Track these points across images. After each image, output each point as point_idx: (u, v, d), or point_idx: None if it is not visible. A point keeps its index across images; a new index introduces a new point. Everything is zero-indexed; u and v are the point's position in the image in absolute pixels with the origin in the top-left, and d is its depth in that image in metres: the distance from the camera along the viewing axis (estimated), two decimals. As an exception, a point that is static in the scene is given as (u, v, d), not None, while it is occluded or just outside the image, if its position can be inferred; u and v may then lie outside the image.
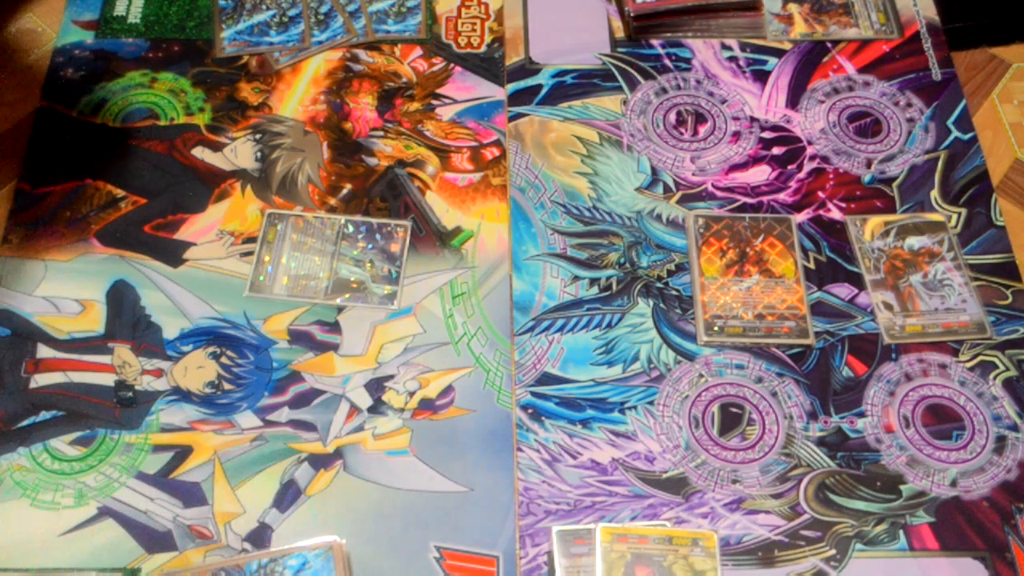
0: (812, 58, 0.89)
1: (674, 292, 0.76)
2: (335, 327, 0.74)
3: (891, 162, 0.83)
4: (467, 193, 0.81)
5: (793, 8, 0.93)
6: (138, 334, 0.73)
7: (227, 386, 0.71)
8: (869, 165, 0.83)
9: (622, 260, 0.77)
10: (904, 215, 0.80)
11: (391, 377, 0.72)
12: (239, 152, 0.82)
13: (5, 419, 0.69)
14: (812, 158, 0.83)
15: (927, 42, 0.90)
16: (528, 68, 0.88)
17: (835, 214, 0.80)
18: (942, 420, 0.70)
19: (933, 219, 0.79)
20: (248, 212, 0.79)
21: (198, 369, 0.71)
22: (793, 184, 0.82)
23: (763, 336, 0.74)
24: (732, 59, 0.89)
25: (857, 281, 0.77)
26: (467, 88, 0.87)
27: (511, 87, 0.87)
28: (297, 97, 0.86)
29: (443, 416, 0.70)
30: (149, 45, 0.88)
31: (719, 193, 0.81)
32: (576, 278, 0.76)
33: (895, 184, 0.82)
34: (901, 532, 0.66)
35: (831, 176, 0.82)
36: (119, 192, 0.80)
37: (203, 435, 0.69)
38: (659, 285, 0.76)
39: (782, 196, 0.81)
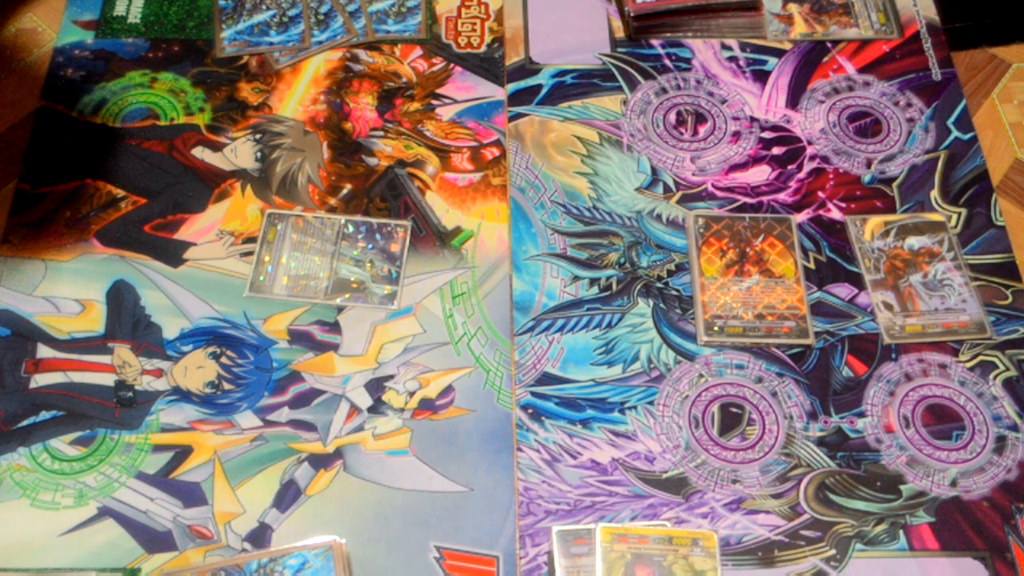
0: (812, 58, 0.89)
1: (674, 292, 0.76)
2: (335, 327, 0.74)
3: (891, 162, 0.83)
4: (467, 193, 0.81)
5: (793, 8, 0.93)
6: (138, 334, 0.73)
7: (227, 386, 0.71)
8: (869, 165, 0.83)
9: (622, 260, 0.77)
10: (904, 215, 0.80)
11: (391, 377, 0.72)
12: (239, 152, 0.82)
13: (5, 419, 0.69)
14: (812, 158, 0.83)
15: (927, 42, 0.90)
16: (528, 68, 0.88)
17: (835, 214, 0.80)
18: (942, 420, 0.70)
19: (933, 219, 0.79)
20: (248, 212, 0.79)
21: (198, 369, 0.71)
22: (793, 184, 0.82)
23: (763, 336, 0.74)
24: (732, 59, 0.89)
25: (857, 281, 0.77)
26: (467, 88, 0.87)
27: (511, 87, 0.87)
28: (297, 97, 0.86)
29: (443, 416, 0.70)
30: (149, 45, 0.88)
31: (719, 193, 0.81)
32: (576, 278, 0.76)
33: (895, 184, 0.82)
34: (901, 532, 0.66)
35: (831, 176, 0.82)
36: (119, 192, 0.80)
37: (203, 435, 0.69)
38: (659, 285, 0.76)
39: (782, 196, 0.81)
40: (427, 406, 0.70)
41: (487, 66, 0.88)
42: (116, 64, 0.87)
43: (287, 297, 0.75)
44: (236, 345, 0.72)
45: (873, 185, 0.82)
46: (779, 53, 0.90)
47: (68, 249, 0.76)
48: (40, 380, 0.71)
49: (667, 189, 0.81)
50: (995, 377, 0.72)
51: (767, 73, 0.88)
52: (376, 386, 0.71)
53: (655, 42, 0.90)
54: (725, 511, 0.67)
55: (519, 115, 0.85)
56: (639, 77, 0.88)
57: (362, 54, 0.89)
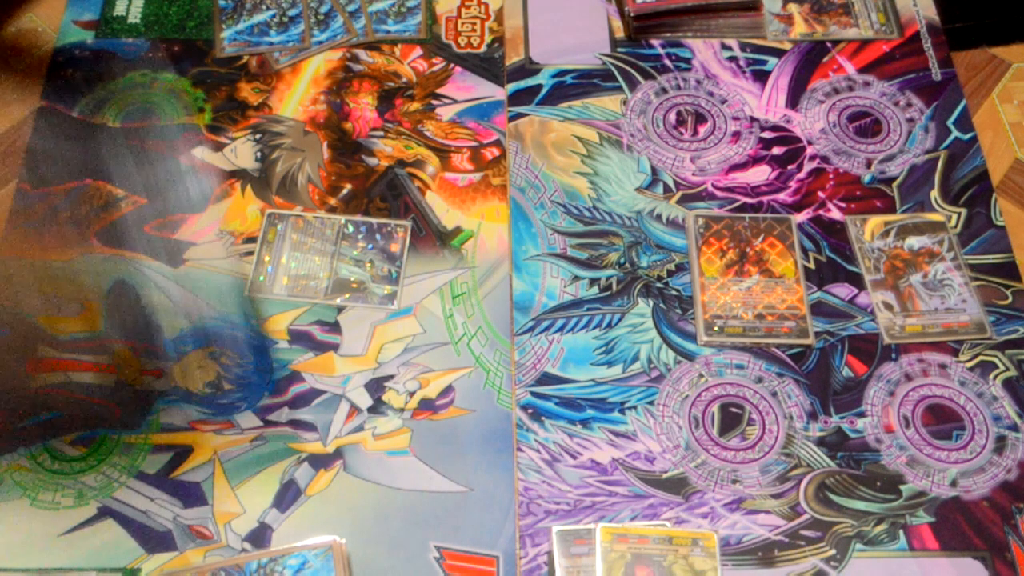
0: (812, 58, 0.89)
1: (674, 292, 0.76)
2: (335, 327, 0.74)
3: (891, 162, 0.83)
4: (467, 193, 0.81)
5: (793, 8, 0.93)
6: (138, 334, 0.73)
7: (227, 386, 0.71)
8: (869, 165, 0.83)
9: (622, 260, 0.77)
10: (904, 215, 0.80)
11: (391, 377, 0.72)
12: (239, 152, 0.82)
13: (5, 419, 0.69)
14: (812, 158, 0.83)
15: (927, 42, 0.90)
16: (528, 68, 0.88)
17: (835, 214, 0.80)
18: (942, 420, 0.70)
19: (933, 219, 0.79)
20: (248, 212, 0.79)
21: (198, 369, 0.71)
22: (793, 184, 0.82)
23: (763, 336, 0.74)
24: (732, 59, 0.89)
25: (857, 281, 0.77)
26: (467, 88, 0.87)
27: (511, 87, 0.87)
28: (297, 97, 0.86)
29: (443, 416, 0.70)
30: (149, 45, 0.88)
31: (719, 193, 0.81)
32: (576, 278, 0.76)
33: (895, 184, 0.82)
34: (901, 532, 0.66)
35: (831, 176, 0.82)
36: (119, 192, 0.80)
37: (203, 435, 0.69)
38: (659, 285, 0.76)
39: (782, 196, 0.81)
40: (427, 406, 0.70)
41: (487, 66, 0.88)
42: (116, 64, 0.87)
43: (287, 297, 0.75)
44: (236, 345, 0.72)
45: (873, 185, 0.82)
46: (779, 53, 0.90)
47: (68, 249, 0.76)
48: (40, 380, 0.71)
49: (667, 189, 0.81)
50: (995, 377, 0.72)
51: (767, 73, 0.88)
52: (376, 386, 0.71)
53: (655, 42, 0.90)
54: (725, 511, 0.67)
55: (519, 115, 0.85)
56: (639, 77, 0.88)
57: (362, 54, 0.89)
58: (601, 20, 0.92)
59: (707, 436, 0.70)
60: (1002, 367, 0.73)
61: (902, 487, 0.68)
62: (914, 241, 0.78)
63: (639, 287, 0.76)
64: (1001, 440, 0.70)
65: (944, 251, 0.78)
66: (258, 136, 0.83)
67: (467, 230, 0.79)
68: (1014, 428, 0.70)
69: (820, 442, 0.70)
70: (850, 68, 0.89)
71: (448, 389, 0.71)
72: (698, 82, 0.88)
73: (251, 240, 0.77)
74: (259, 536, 0.65)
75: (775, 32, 0.91)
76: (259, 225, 0.78)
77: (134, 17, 0.90)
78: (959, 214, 0.80)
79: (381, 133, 0.84)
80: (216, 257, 0.76)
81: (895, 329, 0.74)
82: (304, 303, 0.75)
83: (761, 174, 0.82)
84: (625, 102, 0.86)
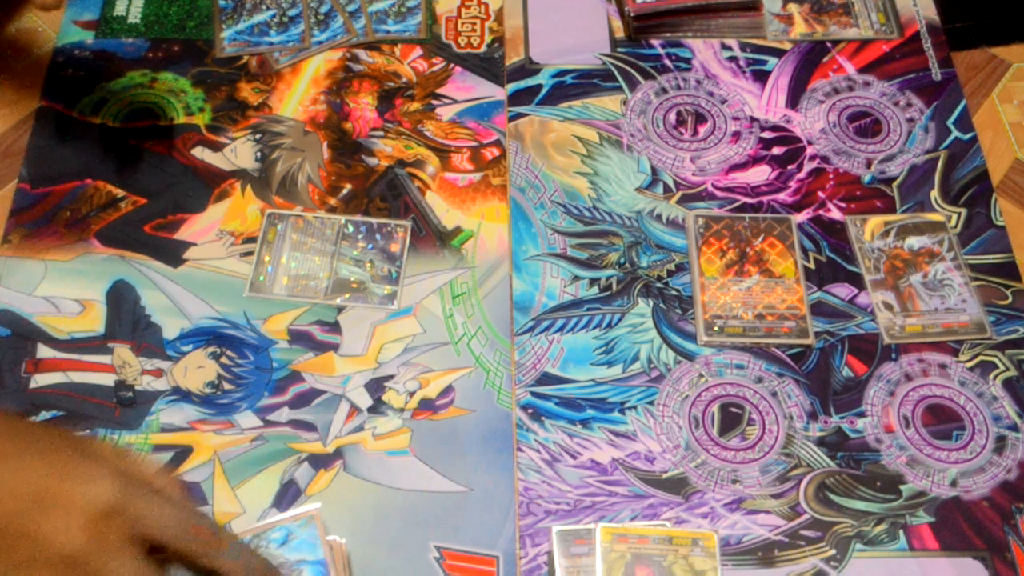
0: (812, 58, 0.89)
1: (674, 292, 0.76)
2: (335, 327, 0.74)
3: (891, 162, 0.83)
4: (467, 193, 0.81)
5: (793, 8, 0.93)
6: (138, 334, 0.73)
7: (227, 386, 0.71)
8: (869, 165, 0.83)
9: (622, 260, 0.77)
10: (904, 215, 0.80)
11: (391, 377, 0.72)
12: (239, 152, 0.82)
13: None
14: (812, 158, 0.83)
15: (927, 42, 0.90)
16: (528, 68, 0.88)
17: (835, 214, 0.80)
18: (942, 420, 0.70)
19: (933, 219, 0.79)
20: (248, 212, 0.79)
21: (198, 369, 0.71)
22: (793, 184, 0.82)
23: (763, 336, 0.74)
24: (732, 59, 0.89)
25: (857, 281, 0.77)
26: (467, 88, 0.87)
27: (511, 87, 0.87)
28: (297, 97, 0.86)
29: (443, 416, 0.70)
30: (149, 45, 0.88)
31: (719, 193, 0.81)
32: (576, 278, 0.76)
33: (895, 184, 0.82)
34: (901, 532, 0.66)
35: (831, 176, 0.82)
36: (119, 192, 0.80)
37: (203, 435, 0.69)
38: (659, 285, 0.76)
39: (782, 196, 0.81)
40: (427, 406, 0.70)
41: (487, 66, 0.88)
42: (116, 64, 0.87)
43: (287, 297, 0.75)
44: (236, 345, 0.72)
45: (873, 185, 0.82)
46: (779, 53, 0.90)
47: (68, 249, 0.76)
48: (40, 380, 0.71)
49: (667, 189, 0.81)
50: (995, 377, 0.72)
51: (767, 73, 0.88)
52: (376, 386, 0.71)
53: (655, 42, 0.90)
54: (725, 511, 0.67)
55: (519, 115, 0.85)
56: (639, 77, 0.88)
57: (362, 54, 0.89)
58: (601, 20, 0.92)
59: (707, 436, 0.70)
60: (1002, 367, 0.73)
61: (902, 487, 0.68)
62: (914, 241, 0.78)
63: (639, 287, 0.76)
64: (1001, 440, 0.70)
65: (944, 251, 0.78)
66: (258, 136, 0.83)
67: (467, 230, 0.79)
68: (1014, 428, 0.70)
69: (820, 442, 0.70)
70: (850, 68, 0.89)
71: (448, 389, 0.71)
72: (698, 82, 0.88)
73: (251, 240, 0.77)
74: (259, 536, 0.65)
75: (775, 32, 0.91)
76: (259, 225, 0.78)
77: (134, 17, 0.90)
78: (959, 214, 0.80)
79: (381, 133, 0.84)
80: (216, 257, 0.76)
81: (895, 329, 0.74)
82: (304, 303, 0.75)
83: (761, 174, 0.82)
84: (625, 102, 0.86)
